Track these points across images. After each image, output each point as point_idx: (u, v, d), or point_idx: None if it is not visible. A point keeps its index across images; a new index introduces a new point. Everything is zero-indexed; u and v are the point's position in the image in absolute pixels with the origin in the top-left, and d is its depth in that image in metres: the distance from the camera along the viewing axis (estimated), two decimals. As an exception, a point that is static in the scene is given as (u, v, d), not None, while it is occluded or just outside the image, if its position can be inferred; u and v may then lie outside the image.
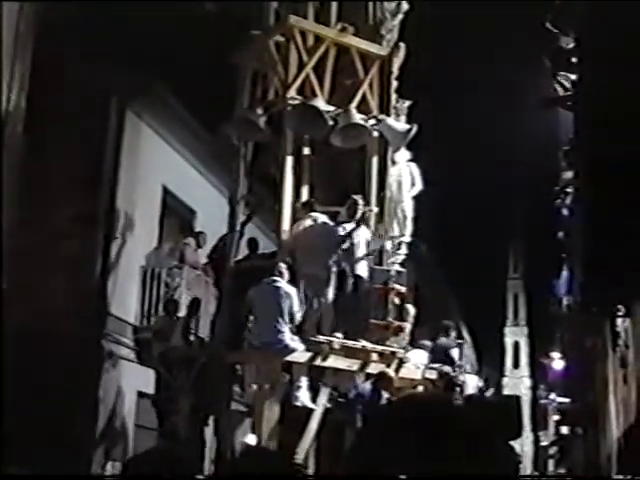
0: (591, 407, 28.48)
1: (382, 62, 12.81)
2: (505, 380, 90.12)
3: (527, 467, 69.43)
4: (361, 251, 11.68)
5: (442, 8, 33.28)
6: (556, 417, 44.47)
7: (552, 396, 47.23)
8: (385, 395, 10.94)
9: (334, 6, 12.93)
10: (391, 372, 11.34)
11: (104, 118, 14.73)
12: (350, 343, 11.24)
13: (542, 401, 60.73)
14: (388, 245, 12.45)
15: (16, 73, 11.97)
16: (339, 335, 11.16)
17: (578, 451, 34.97)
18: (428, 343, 13.69)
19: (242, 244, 13.01)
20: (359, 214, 11.73)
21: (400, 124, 12.67)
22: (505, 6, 35.72)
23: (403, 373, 11.82)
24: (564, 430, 39.31)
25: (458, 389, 13.08)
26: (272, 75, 12.53)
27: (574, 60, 17.49)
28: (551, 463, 54.56)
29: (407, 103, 13.26)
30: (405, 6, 13.29)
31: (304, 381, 11.01)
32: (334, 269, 11.42)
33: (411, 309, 12.90)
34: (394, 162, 12.76)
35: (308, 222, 11.75)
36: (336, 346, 11.10)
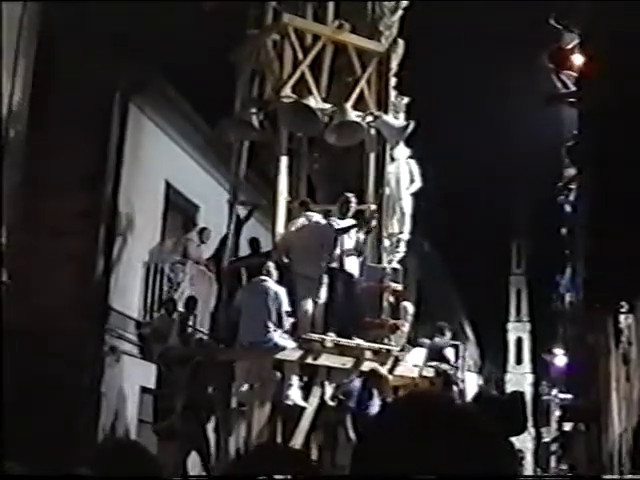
0: (593, 404, 28.46)
1: (380, 59, 12.78)
2: (508, 376, 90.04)
3: (529, 463, 69.42)
4: (350, 248, 11.65)
5: (443, 3, 33.23)
6: (558, 413, 44.44)
7: (554, 392, 47.22)
8: (376, 393, 10.91)
9: (331, 4, 12.92)
10: (382, 370, 11.30)
11: (107, 113, 14.72)
12: (343, 341, 11.22)
13: (544, 397, 60.70)
14: (386, 242, 12.42)
15: (19, 69, 11.97)
16: (332, 334, 11.14)
17: (580, 448, 34.95)
18: (427, 341, 13.69)
19: (243, 243, 13.04)
20: (352, 211, 11.72)
21: (397, 120, 12.64)
22: (507, 2, 35.67)
23: (399, 371, 11.79)
24: (566, 426, 39.26)
25: (456, 388, 13.06)
26: (269, 74, 12.53)
27: (577, 57, 17.46)
28: (553, 459, 54.56)
29: (406, 100, 13.22)
30: (404, 2, 13.26)
31: (295, 379, 11.00)
32: (327, 267, 11.41)
33: (409, 307, 12.87)
34: (393, 159, 12.73)
35: (302, 221, 11.75)
36: (328, 344, 11.09)
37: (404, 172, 12.82)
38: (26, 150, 12.32)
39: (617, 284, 16.75)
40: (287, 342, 10.98)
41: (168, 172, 16.75)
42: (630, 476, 18.42)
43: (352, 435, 10.70)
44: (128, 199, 15.10)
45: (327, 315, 11.29)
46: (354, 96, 12.24)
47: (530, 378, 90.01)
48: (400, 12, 13.19)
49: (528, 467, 65.88)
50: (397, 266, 12.46)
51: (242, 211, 13.32)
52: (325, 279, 11.39)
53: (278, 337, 10.95)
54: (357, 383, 11.30)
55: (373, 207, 12.29)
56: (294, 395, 10.88)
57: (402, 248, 12.83)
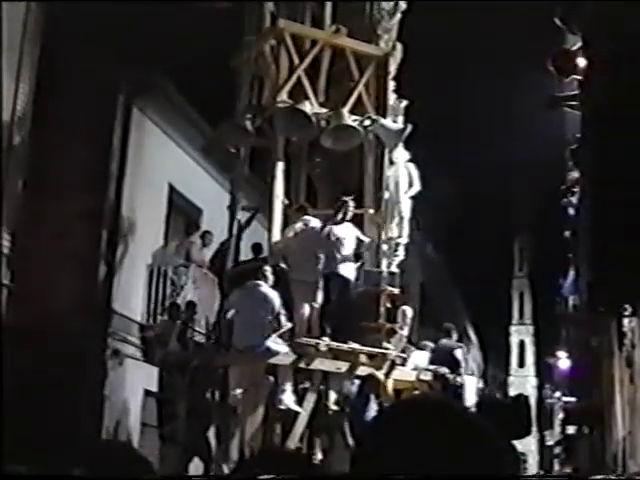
0: (597, 406, 28.43)
1: (378, 62, 12.77)
2: (511, 379, 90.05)
3: (532, 466, 69.35)
4: (348, 252, 11.63)
5: (444, 4, 33.22)
6: (562, 416, 44.39)
7: (558, 395, 47.18)
8: (373, 398, 10.90)
9: (329, 7, 12.92)
10: (379, 374, 11.29)
11: (110, 116, 14.74)
12: (338, 345, 11.20)
13: (548, 400, 60.66)
14: (385, 247, 12.40)
15: (23, 72, 11.99)
16: (326, 338, 11.13)
17: (584, 451, 34.92)
18: (430, 344, 13.65)
19: (243, 248, 13.05)
20: (349, 215, 11.71)
21: (394, 124, 12.62)
22: (509, 4, 35.62)
23: (396, 375, 11.77)
24: (570, 429, 39.22)
25: (459, 390, 13.02)
26: (266, 79, 12.55)
27: (580, 60, 17.43)
28: (556, 463, 54.49)
29: (404, 103, 13.20)
30: (403, 5, 13.26)
31: (288, 384, 10.99)
32: (323, 272, 11.40)
33: (408, 311, 12.85)
34: (392, 162, 12.72)
35: (299, 226, 11.75)
36: (322, 348, 11.07)
37: (403, 175, 12.79)
38: (29, 152, 12.33)
39: (621, 287, 16.72)
40: (280, 347, 10.97)
41: (171, 175, 16.76)
42: (613, 477, 18.42)
43: (350, 440, 10.70)
44: (131, 202, 15.11)
45: (322, 319, 11.28)
46: (352, 100, 12.24)
47: (533, 381, 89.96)
48: (399, 15, 13.18)
49: (532, 470, 65.79)
50: (395, 270, 12.42)
51: (244, 216, 13.33)
52: (321, 283, 11.38)
53: (271, 342, 10.93)
54: (353, 388, 11.30)
55: (371, 211, 12.31)
56: (287, 400, 10.87)
57: (401, 252, 12.80)
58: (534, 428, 71.50)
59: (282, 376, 11.04)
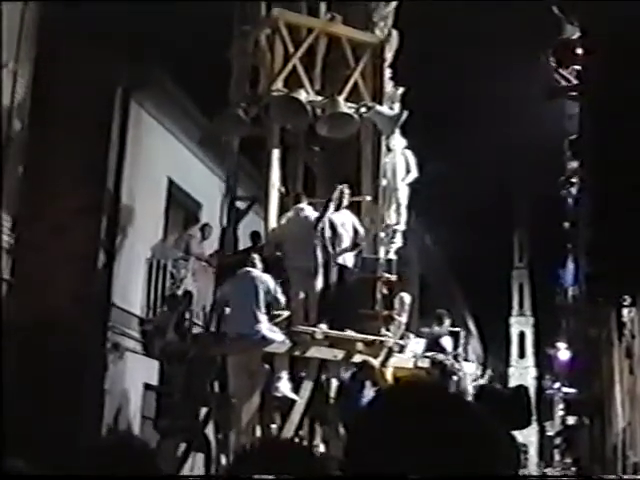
0: (597, 397, 28.49)
1: (374, 50, 12.78)
2: (511, 370, 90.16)
3: (533, 457, 69.49)
4: (346, 240, 11.67)
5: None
6: (562, 407, 44.46)
7: (558, 386, 47.25)
8: (369, 385, 10.91)
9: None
10: (373, 361, 11.30)
11: (108, 110, 14.71)
12: (334, 333, 11.22)
13: (548, 391, 60.74)
14: (382, 234, 12.41)
15: (21, 67, 11.98)
16: (323, 326, 11.15)
17: (584, 441, 34.99)
18: (427, 330, 13.66)
19: (242, 237, 13.05)
20: (345, 203, 11.74)
21: (390, 110, 12.63)
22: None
23: (394, 362, 11.79)
24: (570, 420, 39.30)
25: (455, 377, 13.04)
26: (262, 68, 12.56)
27: (579, 51, 17.43)
28: (557, 453, 54.61)
29: (400, 90, 13.19)
30: None
31: (285, 372, 11.01)
32: (320, 260, 11.42)
33: (407, 298, 12.85)
34: (389, 149, 12.73)
35: (293, 214, 11.79)
36: (319, 336, 11.09)
37: (400, 163, 12.80)
38: (27, 147, 12.32)
39: (620, 278, 16.75)
40: (276, 334, 10.99)
41: (170, 169, 16.74)
42: (629, 476, 18.45)
43: (341, 429, 10.73)
44: (130, 196, 15.09)
45: (319, 307, 11.30)
46: (348, 88, 12.25)
47: (533, 372, 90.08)
48: (395, 3, 13.18)
49: (532, 461, 65.96)
50: (392, 257, 12.43)
51: (241, 205, 13.33)
52: (318, 271, 11.39)
53: (266, 329, 10.95)
54: (347, 375, 11.33)
55: (368, 198, 12.33)
56: (283, 387, 10.89)
57: (398, 239, 12.80)
58: (534, 419, 71.63)
59: (278, 364, 11.06)
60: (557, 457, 53.95)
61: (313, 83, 12.29)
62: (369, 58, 12.67)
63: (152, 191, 16.00)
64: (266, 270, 11.40)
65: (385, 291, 12.01)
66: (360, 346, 11.42)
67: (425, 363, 12.56)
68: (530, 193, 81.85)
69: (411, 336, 13.26)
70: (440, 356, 12.93)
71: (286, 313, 11.33)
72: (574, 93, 18.90)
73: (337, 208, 11.67)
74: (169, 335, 13.44)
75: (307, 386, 11.14)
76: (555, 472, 46.95)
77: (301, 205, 11.90)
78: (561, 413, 46.19)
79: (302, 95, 11.88)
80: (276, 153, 12.12)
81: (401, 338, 12.49)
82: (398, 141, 12.86)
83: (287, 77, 12.19)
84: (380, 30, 12.95)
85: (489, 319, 60.45)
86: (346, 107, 12.06)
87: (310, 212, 11.77)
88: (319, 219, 11.49)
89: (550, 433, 62.76)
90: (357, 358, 11.34)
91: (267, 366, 11.13)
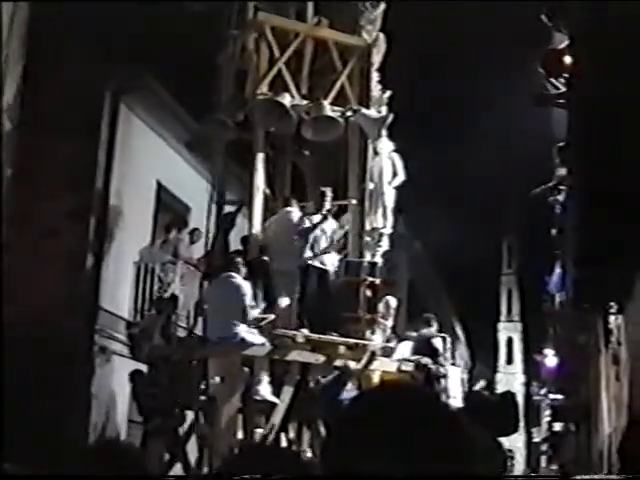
0: (583, 404, 28.56)
1: (361, 53, 12.83)
2: (499, 376, 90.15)
3: (520, 463, 69.53)
4: (325, 243, 11.72)
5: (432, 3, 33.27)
6: (549, 413, 44.53)
7: (545, 392, 47.31)
8: (348, 388, 10.94)
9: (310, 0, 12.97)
10: (352, 364, 11.32)
11: (97, 113, 14.71)
12: (315, 336, 11.24)
13: (535, 397, 60.81)
14: (367, 238, 12.45)
15: (10, 70, 11.96)
16: (304, 330, 11.17)
17: (570, 448, 35.06)
18: (414, 334, 13.67)
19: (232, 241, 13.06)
20: (326, 206, 11.78)
21: (375, 113, 12.67)
22: (496, 3, 35.71)
23: (376, 366, 11.80)
24: (557, 426, 39.37)
25: (442, 381, 13.04)
26: (249, 73, 12.61)
27: (567, 59, 17.51)
28: (543, 459, 54.67)
29: (387, 93, 13.23)
30: None
31: (265, 375, 11.03)
32: (299, 262, 11.46)
33: (392, 301, 12.86)
34: (376, 153, 12.76)
35: (278, 217, 11.84)
36: (300, 339, 11.12)
37: (387, 166, 12.83)
38: (16, 149, 12.31)
39: (607, 285, 16.82)
40: (255, 338, 11.02)
41: (159, 172, 16.74)
42: (616, 476, 18.46)
43: (322, 430, 10.77)
44: (119, 199, 15.09)
45: (300, 311, 11.33)
46: (334, 91, 12.30)
47: (521, 378, 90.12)
48: (382, 6, 13.22)
49: (519, 467, 65.98)
50: (377, 260, 12.45)
51: (230, 209, 13.35)
52: (300, 274, 11.44)
53: (245, 332, 10.97)
54: (325, 379, 11.36)
55: (354, 201, 12.37)
56: (263, 391, 10.92)
57: (385, 243, 12.83)
58: (521, 425, 71.76)
59: (259, 367, 11.08)
60: (543, 463, 54.01)
61: (300, 87, 12.34)
62: (356, 62, 12.72)
63: (141, 194, 16.00)
64: (250, 273, 11.43)
65: (369, 294, 12.03)
66: (342, 349, 11.43)
67: (409, 367, 12.57)
68: (519, 199, 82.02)
69: (394, 340, 13.27)
70: (425, 360, 12.94)
71: (271, 316, 11.35)
72: (562, 101, 18.97)
73: (319, 212, 11.73)
74: (155, 338, 13.44)
75: (288, 389, 11.16)
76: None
77: (288, 209, 11.95)
78: (548, 419, 46.26)
79: (286, 99, 11.93)
80: (261, 157, 12.16)
81: (387, 342, 12.51)
82: (385, 144, 12.90)
83: (274, 81, 12.23)
84: (367, 33, 13.00)
85: (477, 325, 60.55)
86: (331, 110, 12.11)
87: (297, 216, 11.81)
88: (311, 229, 11.54)
89: (537, 439, 62.84)
90: (339, 362, 11.37)
91: (247, 369, 11.15)
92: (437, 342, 13.29)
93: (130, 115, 15.52)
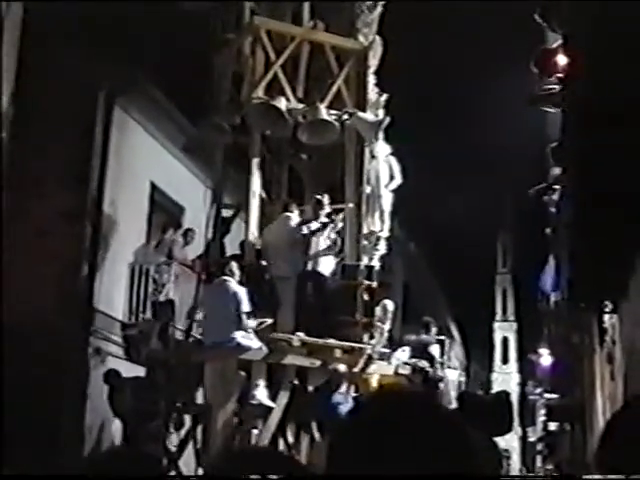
0: (578, 403, 28.54)
1: (357, 57, 12.81)
2: (494, 376, 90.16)
3: (515, 463, 69.59)
4: (323, 248, 11.71)
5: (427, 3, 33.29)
6: (544, 413, 44.54)
7: (540, 392, 47.33)
8: (341, 391, 10.95)
9: (307, 3, 12.95)
10: (342, 367, 11.32)
11: (91, 114, 14.69)
12: (311, 340, 11.24)
13: (530, 397, 60.83)
14: (365, 241, 12.44)
15: (4, 71, 11.94)
16: (300, 334, 11.17)
17: (565, 447, 35.06)
18: (413, 338, 13.68)
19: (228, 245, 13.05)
20: (324, 212, 11.79)
21: (371, 116, 12.66)
22: (490, 3, 35.74)
23: (373, 369, 11.80)
24: (552, 426, 39.37)
25: (441, 385, 13.06)
26: (245, 76, 12.60)
27: (561, 58, 17.50)
28: (539, 459, 54.69)
29: (384, 96, 13.23)
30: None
31: (262, 380, 11.03)
32: (298, 268, 11.46)
33: (389, 305, 12.86)
34: (373, 156, 12.76)
35: (276, 222, 11.84)
36: (296, 343, 11.12)
37: (384, 169, 12.83)
38: (10, 151, 12.28)
39: (601, 284, 16.80)
40: (251, 342, 11.01)
41: (153, 173, 16.72)
42: (612, 476, 18.47)
43: (317, 435, 10.76)
44: (113, 200, 15.07)
45: (297, 315, 11.33)
46: (330, 95, 12.29)
47: (516, 378, 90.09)
48: (379, 9, 13.21)
49: (514, 467, 66.04)
50: (373, 264, 12.45)
51: (227, 213, 13.35)
52: (297, 279, 11.44)
53: (241, 337, 10.97)
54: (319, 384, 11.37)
55: (351, 205, 12.36)
56: (260, 395, 10.91)
57: (382, 246, 12.83)
58: (516, 425, 71.81)
59: (255, 372, 11.08)
60: (539, 463, 54.03)
61: (296, 90, 12.33)
62: (352, 65, 12.70)
63: (135, 195, 15.99)
64: (247, 278, 11.43)
65: (366, 298, 12.03)
66: (339, 353, 11.43)
67: (406, 370, 12.57)
68: (513, 199, 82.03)
69: (392, 344, 13.28)
70: (422, 363, 12.94)
71: (268, 321, 11.34)
72: (556, 100, 18.97)
73: (315, 217, 11.72)
74: (153, 342, 13.45)
75: (284, 393, 11.16)
76: (537, 478, 47.03)
77: (287, 214, 11.93)
78: (543, 419, 46.28)
79: (282, 103, 11.92)
80: (257, 161, 12.15)
81: (384, 345, 12.51)
82: (382, 148, 12.89)
83: (270, 85, 12.22)
84: (364, 36, 12.98)
85: (472, 325, 60.57)
86: (327, 114, 12.10)
87: (296, 221, 11.79)
88: (309, 236, 11.54)
89: (532, 439, 62.86)
90: (332, 366, 11.37)
91: (243, 373, 11.15)
92: (434, 349, 13.31)
93: (124, 116, 15.51)
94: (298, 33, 12.56)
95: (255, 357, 11.07)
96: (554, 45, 17.96)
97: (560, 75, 18.11)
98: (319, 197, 11.86)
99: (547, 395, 39.87)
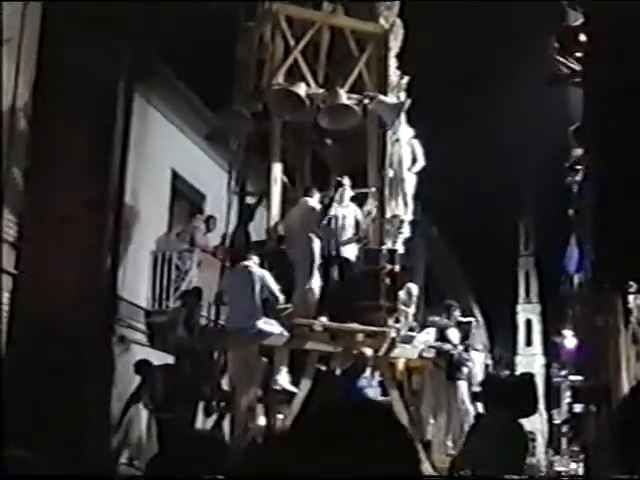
0: (603, 385, 28.43)
1: (378, 40, 12.75)
2: (518, 358, 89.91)
3: (540, 445, 69.50)
4: (348, 233, 11.67)
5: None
6: (569, 395, 44.41)
7: (564, 373, 47.18)
8: (365, 375, 10.95)
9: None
10: (368, 351, 11.30)
11: (112, 102, 14.71)
12: (334, 325, 11.24)
13: (555, 379, 60.64)
14: (388, 225, 12.40)
15: (23, 61, 11.98)
16: (323, 318, 11.16)
17: (591, 429, 34.94)
18: (437, 319, 13.65)
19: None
20: (347, 196, 11.76)
21: (392, 99, 12.61)
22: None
23: (397, 353, 11.78)
24: (577, 408, 39.23)
25: (465, 368, 13.02)
26: (266, 63, 12.58)
27: (582, 37, 17.38)
28: (564, 441, 54.57)
29: (405, 79, 13.17)
30: None
31: (284, 365, 11.04)
32: (317, 253, 11.42)
33: (414, 289, 12.82)
34: (397, 139, 12.72)
35: (297, 207, 11.83)
36: (318, 328, 11.11)
37: (406, 153, 12.78)
38: (31, 141, 12.33)
39: (625, 265, 16.74)
40: (273, 328, 11.01)
41: (174, 161, 16.76)
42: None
43: None
44: (135, 188, 15.12)
45: (320, 300, 11.32)
46: (351, 79, 12.25)
47: (540, 360, 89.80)
48: None
49: (540, 449, 65.95)
50: (397, 247, 12.41)
51: (251, 200, 13.37)
52: (320, 264, 11.42)
53: (263, 323, 10.97)
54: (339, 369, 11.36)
55: (374, 189, 12.33)
56: (282, 380, 10.93)
57: (405, 230, 12.80)
58: (541, 406, 71.64)
59: (278, 357, 11.10)
60: (564, 445, 53.92)
61: (317, 76, 12.29)
62: (373, 48, 12.65)
63: (157, 183, 16.03)
64: (269, 264, 11.44)
65: (389, 282, 12.00)
66: (361, 337, 11.42)
67: (431, 354, 12.56)
68: (535, 180, 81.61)
69: (417, 328, 13.25)
70: (447, 346, 12.91)
71: (290, 306, 11.35)
72: (577, 79, 18.85)
73: (340, 201, 11.69)
74: (179, 330, 13.51)
75: (307, 378, 11.17)
76: (563, 460, 46.92)
77: (306, 198, 11.92)
78: (568, 401, 46.14)
79: (301, 88, 11.89)
80: (279, 147, 12.13)
81: (410, 329, 12.49)
82: (404, 131, 12.84)
83: (291, 71, 12.19)
84: (385, 19, 12.92)
85: (495, 307, 60.45)
86: (347, 98, 12.06)
87: (315, 205, 11.78)
88: (321, 218, 11.52)
89: (557, 421, 62.70)
90: (360, 349, 11.37)
91: (265, 359, 11.17)
92: (452, 333, 13.27)
93: (145, 104, 15.53)
94: (318, 18, 12.52)
95: (277, 343, 11.08)
96: (575, 23, 17.83)
97: (581, 54, 17.98)
98: (339, 179, 11.84)
99: (572, 377, 39.75)
